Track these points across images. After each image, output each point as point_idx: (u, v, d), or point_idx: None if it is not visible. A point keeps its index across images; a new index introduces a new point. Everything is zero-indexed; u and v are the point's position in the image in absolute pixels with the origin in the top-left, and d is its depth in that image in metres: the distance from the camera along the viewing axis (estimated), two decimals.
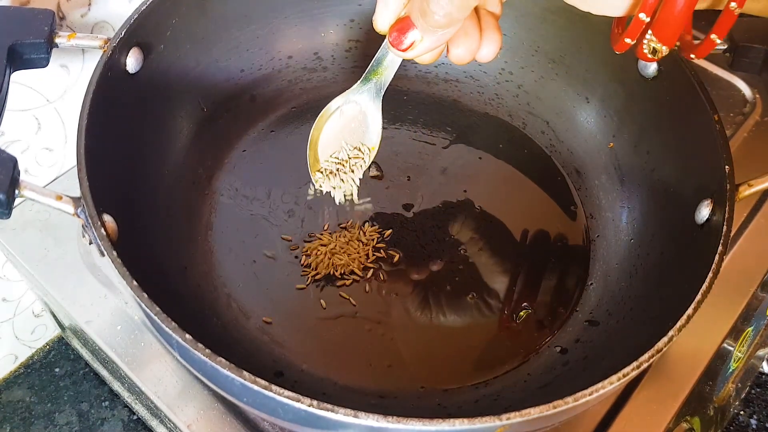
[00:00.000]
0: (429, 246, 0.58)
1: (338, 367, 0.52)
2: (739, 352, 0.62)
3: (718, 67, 0.76)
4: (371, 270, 0.57)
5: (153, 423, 0.65)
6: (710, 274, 0.44)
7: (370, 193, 0.61)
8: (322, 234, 0.58)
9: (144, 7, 0.52)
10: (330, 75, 0.68)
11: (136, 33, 0.51)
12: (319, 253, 0.57)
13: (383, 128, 0.65)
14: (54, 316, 0.71)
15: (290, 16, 0.65)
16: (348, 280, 0.56)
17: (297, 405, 0.37)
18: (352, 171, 0.58)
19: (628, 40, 0.41)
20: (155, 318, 0.39)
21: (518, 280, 0.57)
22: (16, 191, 0.41)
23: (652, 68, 0.56)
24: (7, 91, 0.46)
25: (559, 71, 0.65)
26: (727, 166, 0.48)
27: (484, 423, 0.37)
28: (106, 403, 0.73)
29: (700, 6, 0.39)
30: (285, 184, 0.61)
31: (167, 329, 0.39)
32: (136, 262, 0.41)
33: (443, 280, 0.57)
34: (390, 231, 0.59)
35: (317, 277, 0.56)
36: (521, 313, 0.55)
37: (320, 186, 0.58)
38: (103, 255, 0.42)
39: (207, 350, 0.38)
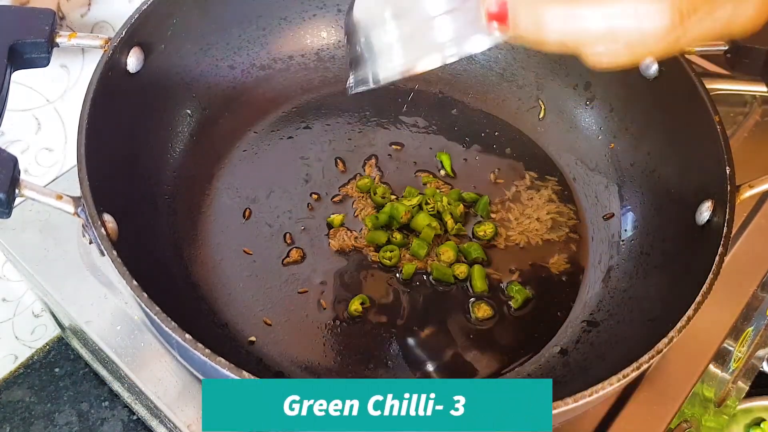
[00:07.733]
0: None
1: (338, 368, 0.52)
2: (739, 352, 0.62)
3: (718, 67, 0.75)
4: (370, 270, 0.57)
5: (153, 423, 0.65)
6: (710, 276, 0.44)
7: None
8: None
9: (145, 7, 0.52)
10: (330, 75, 0.68)
11: (136, 33, 0.51)
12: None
13: (384, 129, 0.65)
14: (54, 316, 0.71)
15: (291, 16, 0.65)
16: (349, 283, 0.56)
17: None
18: None
19: None
20: (155, 318, 0.39)
21: (518, 279, 0.57)
22: (17, 191, 0.41)
23: (653, 69, 0.56)
24: (7, 91, 0.46)
25: (559, 72, 0.65)
26: (728, 168, 0.48)
27: None
28: (106, 403, 0.73)
29: None
30: (285, 184, 0.61)
31: (167, 329, 0.39)
32: (136, 262, 0.41)
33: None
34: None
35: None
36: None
37: None
38: (103, 255, 0.42)
39: (207, 350, 0.38)
